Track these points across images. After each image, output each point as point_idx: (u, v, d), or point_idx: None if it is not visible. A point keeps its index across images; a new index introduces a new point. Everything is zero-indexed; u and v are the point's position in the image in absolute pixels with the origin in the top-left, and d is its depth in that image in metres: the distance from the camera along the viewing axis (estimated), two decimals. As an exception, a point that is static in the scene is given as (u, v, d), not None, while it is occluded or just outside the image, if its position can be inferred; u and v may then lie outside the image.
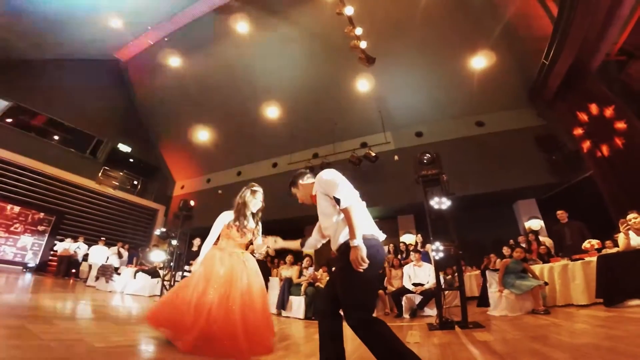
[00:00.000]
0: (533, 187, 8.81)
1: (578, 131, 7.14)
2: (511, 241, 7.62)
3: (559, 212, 6.19)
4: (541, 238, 7.06)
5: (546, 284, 4.74)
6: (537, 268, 5.20)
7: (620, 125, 6.15)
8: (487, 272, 5.46)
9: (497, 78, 8.77)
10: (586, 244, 5.01)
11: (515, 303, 4.53)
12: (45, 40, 10.00)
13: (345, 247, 1.72)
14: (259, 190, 2.88)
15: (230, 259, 2.69)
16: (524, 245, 7.38)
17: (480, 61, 8.74)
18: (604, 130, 6.48)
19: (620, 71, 6.77)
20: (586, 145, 6.97)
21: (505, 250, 6.36)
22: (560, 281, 4.76)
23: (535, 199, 9.56)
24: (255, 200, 2.84)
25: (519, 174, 8.61)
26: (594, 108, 6.65)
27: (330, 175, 1.95)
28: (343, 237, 1.80)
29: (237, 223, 2.76)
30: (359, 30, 7.84)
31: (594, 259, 4.37)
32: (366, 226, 1.79)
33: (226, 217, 2.83)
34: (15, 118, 10.75)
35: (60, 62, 11.10)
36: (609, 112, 6.36)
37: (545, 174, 8.41)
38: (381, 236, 1.87)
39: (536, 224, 9.05)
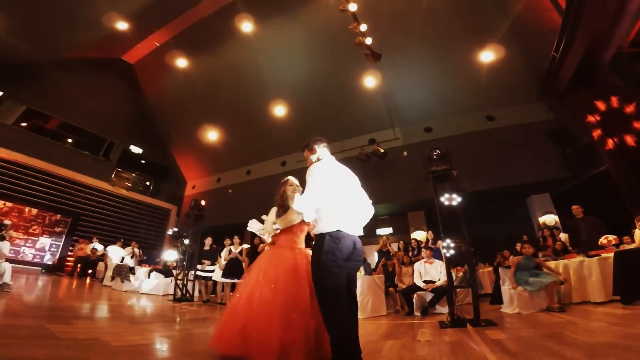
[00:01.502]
0: (547, 181, 8.64)
1: (592, 124, 6.96)
2: (525, 237, 7.49)
3: (574, 207, 6.05)
4: (561, 234, 6.92)
5: (562, 283, 4.64)
6: (551, 264, 5.10)
7: (636, 117, 5.96)
8: (500, 269, 5.38)
9: (506, 71, 8.60)
10: (603, 240, 4.88)
11: (529, 300, 4.46)
12: (52, 43, 10.14)
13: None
14: (290, 178, 2.85)
15: (292, 253, 2.46)
16: (540, 240, 7.29)
17: (488, 55, 8.59)
18: (619, 123, 6.30)
19: (634, 63, 6.56)
20: (601, 138, 6.78)
21: (519, 247, 6.26)
22: (575, 278, 4.66)
23: (550, 194, 9.36)
24: (291, 187, 2.78)
25: (532, 169, 8.46)
26: (608, 101, 6.47)
27: (312, 173, 2.08)
28: (315, 230, 2.03)
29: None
30: (363, 27, 7.76)
31: (611, 255, 4.26)
32: (334, 222, 1.97)
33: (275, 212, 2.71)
34: (30, 122, 11.02)
35: (69, 66, 11.26)
36: (624, 104, 6.18)
37: (559, 168, 8.24)
38: (352, 230, 2.02)
39: (551, 219, 8.87)
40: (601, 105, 6.63)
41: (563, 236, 6.74)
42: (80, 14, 9.39)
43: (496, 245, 8.65)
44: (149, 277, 8.26)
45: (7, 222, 8.55)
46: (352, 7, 7.57)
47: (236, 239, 7.31)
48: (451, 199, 4.51)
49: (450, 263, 4.44)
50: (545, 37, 7.43)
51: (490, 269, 7.63)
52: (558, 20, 6.73)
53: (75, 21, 9.62)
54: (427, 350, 2.69)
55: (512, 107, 9.02)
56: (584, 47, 6.23)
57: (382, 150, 9.82)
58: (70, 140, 12.26)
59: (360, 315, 5.06)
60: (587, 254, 4.74)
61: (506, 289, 4.89)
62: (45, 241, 10.84)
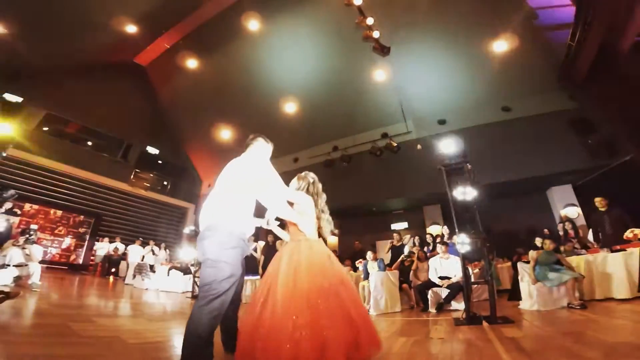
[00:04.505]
0: (568, 172, 8.33)
1: (614, 113, 6.67)
2: (546, 230, 7.26)
3: (597, 199, 5.78)
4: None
5: (582, 277, 4.47)
6: (573, 259, 4.92)
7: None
8: (519, 264, 5.24)
9: (522, 61, 8.27)
10: (628, 234, 4.65)
11: (548, 296, 4.32)
12: (66, 49, 10.34)
13: None
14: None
15: None
16: (561, 233, 7.03)
17: (502, 44, 8.25)
18: (643, 111, 6.02)
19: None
20: (624, 127, 6.49)
21: (538, 241, 6.06)
22: (598, 273, 4.48)
23: (572, 185, 9.02)
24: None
25: (552, 159, 8.16)
26: (630, 89, 6.19)
27: None
28: None
29: None
30: (370, 20, 7.65)
31: (637, 249, 4.08)
32: None
33: None
34: (50, 126, 11.40)
35: (84, 70, 11.50)
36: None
37: (581, 158, 7.91)
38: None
39: (573, 211, 8.54)
40: (623, 94, 6.34)
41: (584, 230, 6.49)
42: (89, 19, 9.50)
43: (516, 239, 8.43)
44: (168, 275, 8.49)
45: (34, 226, 8.99)
46: (357, 0, 7.47)
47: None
48: (465, 193, 4.41)
49: (467, 258, 4.35)
50: (560, 26, 7.16)
51: (509, 263, 7.44)
52: (571, 9, 6.51)
53: (86, 26, 9.76)
54: (439, 348, 2.65)
55: (529, 97, 8.68)
56: (600, 36, 6.06)
57: (395, 144, 9.70)
58: (90, 143, 12.66)
59: (373, 312, 5.10)
60: (611, 249, 4.55)
61: (525, 284, 4.76)
62: (70, 241, 11.30)
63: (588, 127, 7.80)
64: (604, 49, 6.31)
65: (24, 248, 5.56)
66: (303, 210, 2.39)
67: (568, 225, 7.06)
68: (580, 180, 8.79)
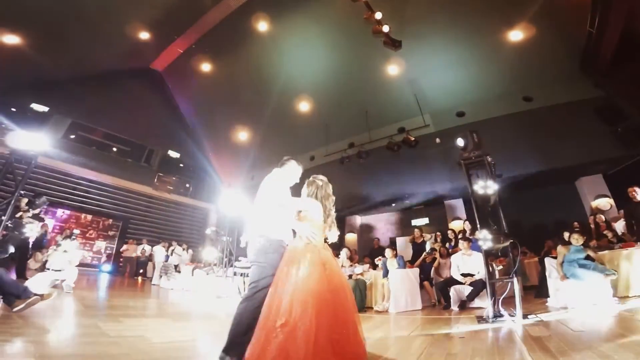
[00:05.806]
0: (597, 161, 7.91)
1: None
2: (576, 224, 6.93)
3: (630, 189, 5.46)
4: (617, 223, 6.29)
5: (614, 273, 4.22)
6: (606, 254, 4.66)
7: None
8: (547, 259, 5.03)
9: (541, 49, 7.86)
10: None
11: (577, 293, 4.12)
12: (84, 58, 10.64)
13: None
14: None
15: None
16: (592, 226, 6.67)
17: (519, 33, 7.86)
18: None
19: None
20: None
21: (567, 236, 5.78)
22: (633, 269, 4.22)
23: (602, 175, 8.55)
24: None
25: (579, 149, 7.77)
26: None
27: None
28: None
29: None
30: (378, 15, 7.49)
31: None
32: None
33: None
34: (77, 134, 11.85)
35: (104, 78, 11.81)
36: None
37: (611, 147, 7.48)
38: None
39: (604, 203, 8.09)
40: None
41: (620, 225, 6.12)
42: (104, 29, 9.64)
43: (544, 232, 8.09)
44: (192, 274, 8.73)
45: (76, 231, 9.47)
46: (363, -5, 7.32)
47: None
48: (486, 187, 4.28)
49: (491, 254, 4.22)
50: (578, 11, 6.78)
51: (536, 259, 7.14)
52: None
53: (102, 36, 9.97)
54: (459, 347, 2.58)
55: (551, 86, 8.25)
56: (621, 21, 5.77)
57: (413, 139, 9.52)
58: (114, 149, 13.14)
59: (393, 310, 5.03)
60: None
61: (553, 280, 4.57)
62: (100, 244, 11.85)
63: (616, 115, 7.37)
64: (628, 34, 6.00)
65: (65, 251, 5.87)
66: (309, 217, 2.49)
67: (600, 218, 6.70)
68: (612, 169, 8.33)
